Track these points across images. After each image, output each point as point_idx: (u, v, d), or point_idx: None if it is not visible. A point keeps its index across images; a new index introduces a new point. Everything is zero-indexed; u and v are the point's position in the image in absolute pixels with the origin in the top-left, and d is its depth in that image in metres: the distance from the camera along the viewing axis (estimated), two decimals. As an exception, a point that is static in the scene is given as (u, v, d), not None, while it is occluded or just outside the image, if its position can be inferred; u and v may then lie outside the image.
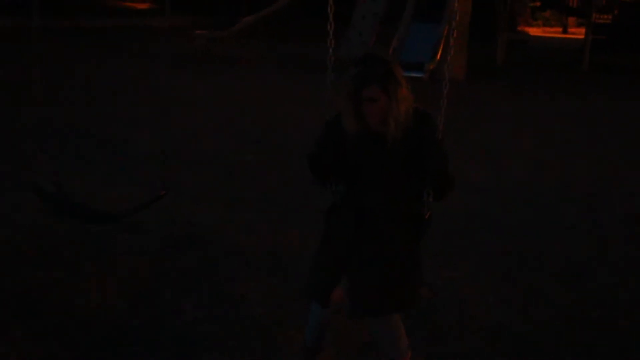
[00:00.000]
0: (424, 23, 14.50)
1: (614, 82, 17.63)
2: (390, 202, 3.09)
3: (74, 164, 7.10)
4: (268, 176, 7.28)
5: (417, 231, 3.16)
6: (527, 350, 3.99)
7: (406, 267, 3.12)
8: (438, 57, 13.61)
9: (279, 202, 6.43)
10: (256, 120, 10.25)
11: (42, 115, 9.17)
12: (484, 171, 7.90)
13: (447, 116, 3.12)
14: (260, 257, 5.10)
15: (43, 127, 8.54)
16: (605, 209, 6.76)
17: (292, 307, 4.29)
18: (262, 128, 9.71)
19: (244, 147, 8.48)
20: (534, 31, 36.18)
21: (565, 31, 37.66)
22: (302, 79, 15.03)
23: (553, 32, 37.10)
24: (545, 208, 6.68)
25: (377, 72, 2.93)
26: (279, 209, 6.24)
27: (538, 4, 28.10)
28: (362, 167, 3.10)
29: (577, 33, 29.59)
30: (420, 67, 13.04)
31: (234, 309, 4.26)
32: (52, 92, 10.58)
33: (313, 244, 3.35)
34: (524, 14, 36.34)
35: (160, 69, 15.01)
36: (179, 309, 4.22)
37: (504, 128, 10.65)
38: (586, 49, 20.37)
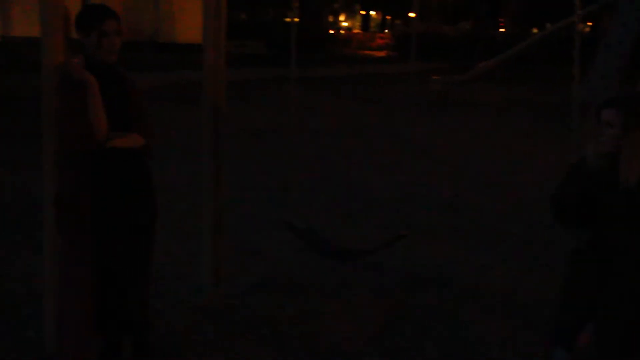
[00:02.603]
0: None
1: None
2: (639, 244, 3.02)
3: (320, 204, 7.51)
4: (506, 220, 7.24)
5: None
6: None
7: None
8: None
9: (518, 246, 6.38)
10: (494, 164, 10.23)
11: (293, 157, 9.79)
12: None
13: None
14: (499, 299, 5.10)
15: (294, 169, 9.11)
16: None
17: (531, 352, 4.25)
18: (500, 171, 9.67)
19: (482, 191, 8.50)
20: None
21: None
22: (541, 122, 14.76)
23: None
24: None
25: (621, 97, 2.97)
26: (519, 252, 6.19)
27: None
28: (608, 208, 3.06)
29: None
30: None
31: (472, 350, 4.30)
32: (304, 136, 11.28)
33: (553, 289, 3.34)
34: None
35: (398, 114, 15.49)
36: (420, 346, 4.33)
37: None
38: None
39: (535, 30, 44.76)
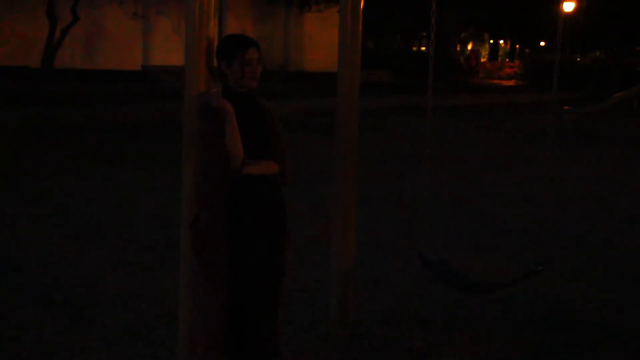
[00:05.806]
0: None
1: None
2: None
3: (448, 234, 7.40)
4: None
5: None
6: None
7: None
8: None
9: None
10: (627, 199, 9.80)
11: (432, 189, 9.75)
12: None
13: None
14: (636, 342, 4.84)
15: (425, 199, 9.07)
16: None
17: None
18: (633, 207, 9.25)
19: (616, 227, 8.13)
20: None
21: None
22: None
23: None
24: None
25: None
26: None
27: None
28: None
29: None
30: None
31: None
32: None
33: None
34: None
35: (528, 144, 15.11)
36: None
37: None
38: None
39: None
